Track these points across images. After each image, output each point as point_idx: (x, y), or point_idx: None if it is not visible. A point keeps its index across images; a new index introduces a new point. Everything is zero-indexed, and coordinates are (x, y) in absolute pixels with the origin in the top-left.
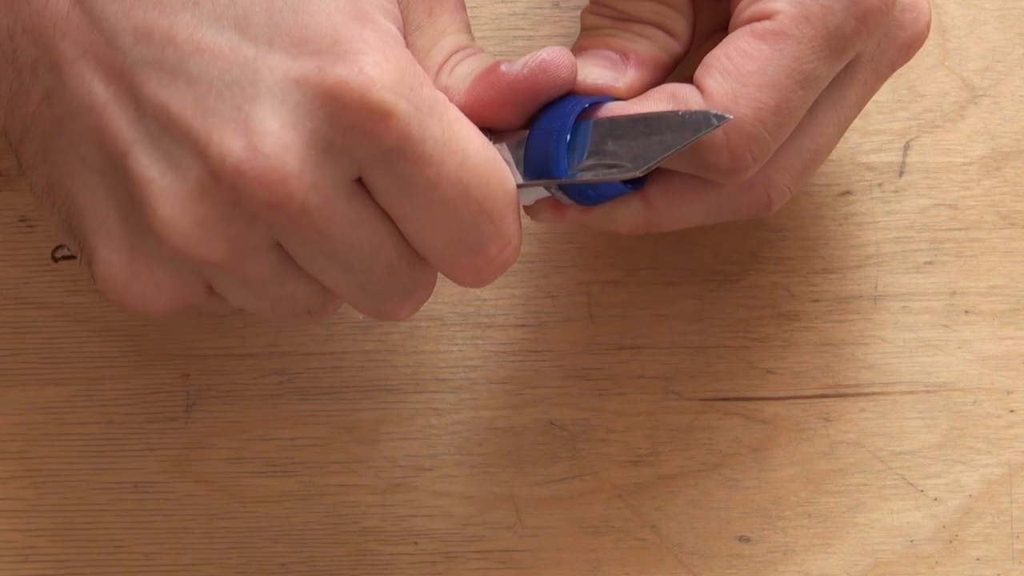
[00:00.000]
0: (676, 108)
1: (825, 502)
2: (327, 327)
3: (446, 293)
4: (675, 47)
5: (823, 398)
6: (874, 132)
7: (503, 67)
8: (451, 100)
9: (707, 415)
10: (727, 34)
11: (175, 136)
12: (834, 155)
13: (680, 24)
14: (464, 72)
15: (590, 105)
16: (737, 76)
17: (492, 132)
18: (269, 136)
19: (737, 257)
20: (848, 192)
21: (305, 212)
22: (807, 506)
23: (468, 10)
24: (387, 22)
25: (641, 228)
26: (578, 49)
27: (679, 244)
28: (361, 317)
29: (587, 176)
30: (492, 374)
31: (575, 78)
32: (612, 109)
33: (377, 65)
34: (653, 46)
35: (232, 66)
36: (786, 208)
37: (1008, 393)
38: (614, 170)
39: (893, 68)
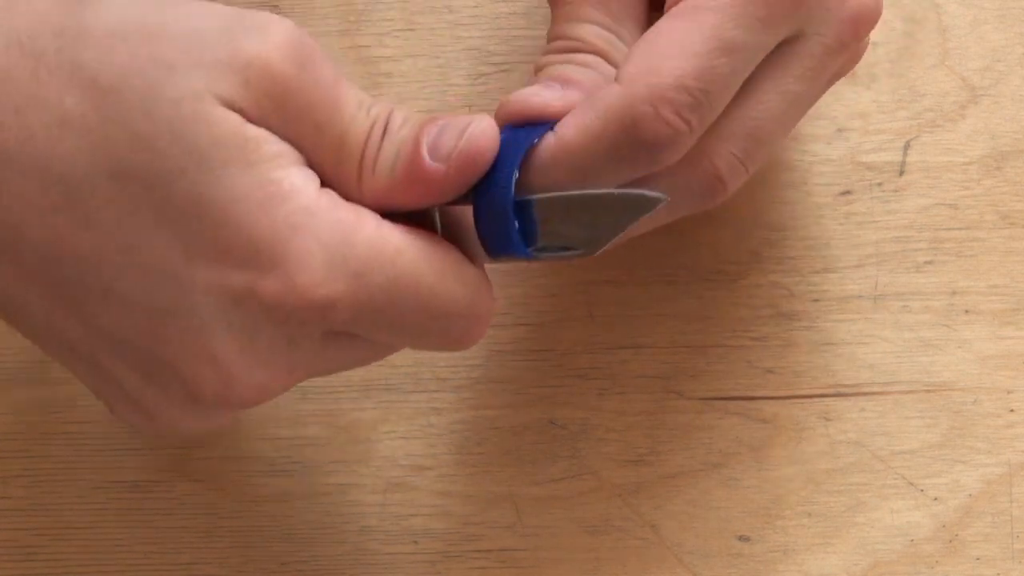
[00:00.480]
0: (595, 107)
1: (825, 501)
2: None
3: None
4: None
5: (823, 397)
6: (874, 132)
7: (425, 158)
8: (383, 191)
9: (707, 414)
10: None
11: (138, 358)
12: (834, 155)
13: (622, 56)
14: (390, 154)
15: (525, 151)
16: (656, 51)
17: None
18: (237, 367)
19: (737, 257)
20: (848, 192)
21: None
22: (807, 505)
23: (470, 9)
24: (297, 183)
25: None
26: (525, 84)
27: (679, 244)
28: None
29: (543, 256)
30: (492, 373)
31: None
32: (546, 148)
33: (304, 268)
34: (593, 74)
35: (162, 286)
36: (786, 208)
37: (1008, 392)
38: (567, 251)
39: (843, 44)
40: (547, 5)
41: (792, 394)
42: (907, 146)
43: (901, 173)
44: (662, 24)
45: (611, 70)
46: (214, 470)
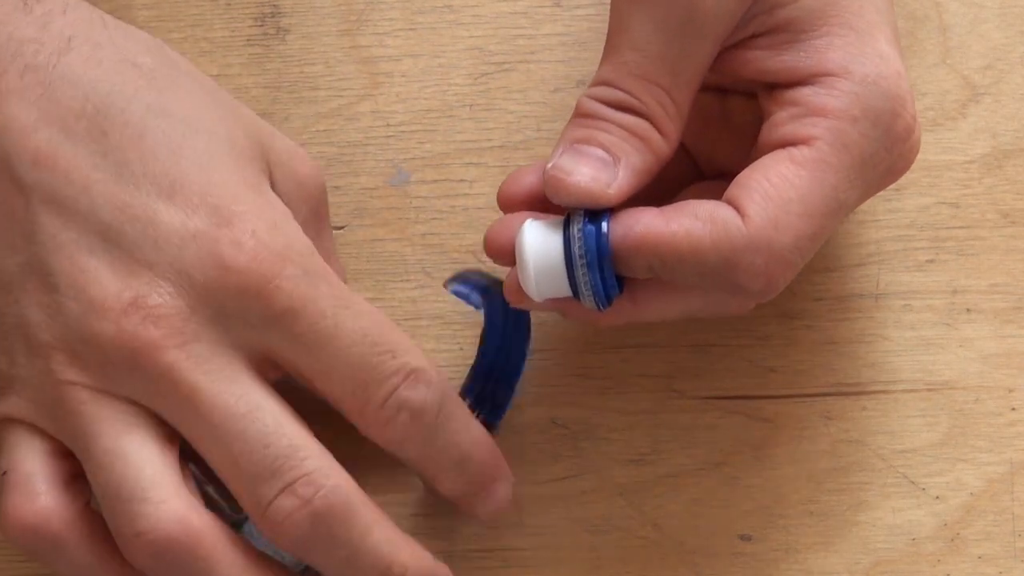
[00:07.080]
0: (714, 230)
1: (827, 500)
2: None
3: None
4: (664, 149)
5: (825, 396)
6: None
7: None
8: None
9: (709, 413)
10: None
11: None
12: None
13: (672, 125)
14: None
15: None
16: (780, 203)
17: None
18: (159, 291)
19: None
20: None
21: (174, 369)
22: (809, 504)
23: (470, 9)
24: (280, 201)
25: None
26: (570, 139)
27: None
28: None
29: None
30: None
31: None
32: (642, 231)
33: (268, 232)
34: (644, 148)
35: (131, 215)
36: None
37: (1010, 391)
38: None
39: (872, 192)
40: (548, 5)
41: (794, 393)
42: None
43: None
44: (785, 170)
45: (659, 139)
46: None
